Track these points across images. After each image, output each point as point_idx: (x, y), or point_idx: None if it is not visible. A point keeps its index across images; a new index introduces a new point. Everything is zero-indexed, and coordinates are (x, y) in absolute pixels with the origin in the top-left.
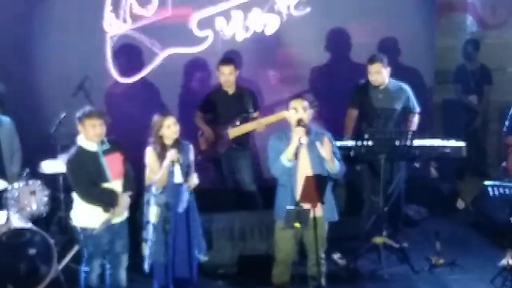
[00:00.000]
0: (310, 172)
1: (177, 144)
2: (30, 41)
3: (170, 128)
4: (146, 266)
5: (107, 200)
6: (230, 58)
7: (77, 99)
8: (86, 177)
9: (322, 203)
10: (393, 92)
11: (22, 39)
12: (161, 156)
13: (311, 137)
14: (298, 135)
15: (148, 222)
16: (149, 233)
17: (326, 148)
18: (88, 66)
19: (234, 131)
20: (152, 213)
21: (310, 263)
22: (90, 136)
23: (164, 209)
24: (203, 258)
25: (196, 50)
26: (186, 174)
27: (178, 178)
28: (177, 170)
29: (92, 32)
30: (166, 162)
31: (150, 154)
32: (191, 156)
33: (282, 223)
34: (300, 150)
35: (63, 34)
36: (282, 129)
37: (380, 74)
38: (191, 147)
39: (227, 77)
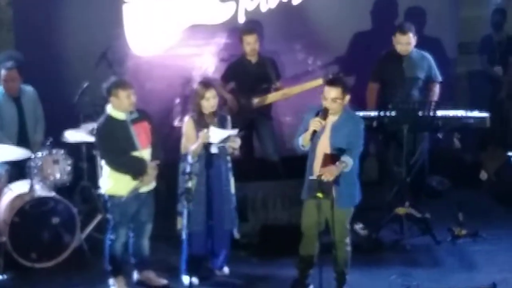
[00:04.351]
0: (328, 152)
1: (214, 117)
2: (53, 11)
3: (209, 101)
4: (184, 237)
5: (136, 168)
6: (253, 27)
7: (100, 69)
8: (115, 145)
9: (337, 184)
10: (416, 60)
11: (44, 9)
12: (198, 125)
13: (340, 120)
14: (314, 126)
15: (183, 193)
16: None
17: (331, 172)
18: (110, 36)
19: (259, 101)
20: (190, 182)
21: (334, 248)
22: (125, 106)
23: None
24: (236, 235)
25: (218, 22)
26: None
27: (214, 149)
28: (214, 141)
29: (112, 2)
30: (199, 141)
31: (187, 123)
32: (229, 127)
33: (304, 195)
34: (320, 135)
35: (85, 3)
36: (309, 101)
37: (410, 45)
38: (228, 118)
39: (252, 45)
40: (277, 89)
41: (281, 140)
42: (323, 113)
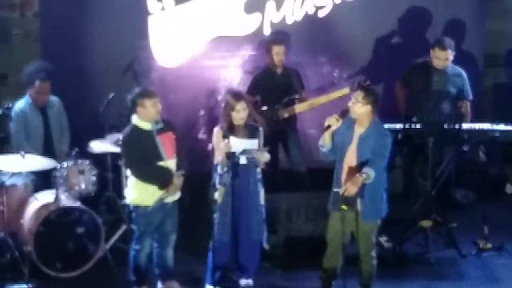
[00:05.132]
0: (354, 163)
1: (244, 128)
2: (78, 22)
3: (239, 113)
4: (210, 247)
5: (163, 178)
6: (281, 37)
7: (125, 79)
8: (141, 155)
9: (362, 197)
10: (450, 76)
11: (70, 20)
12: (227, 136)
13: (367, 132)
14: (328, 121)
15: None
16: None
17: (352, 188)
18: (135, 47)
19: (286, 112)
20: (217, 193)
21: (359, 260)
22: (152, 115)
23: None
24: (265, 245)
25: (243, 34)
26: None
27: (242, 159)
28: (236, 151)
29: (137, 13)
30: (222, 152)
31: (216, 133)
32: (260, 138)
33: (330, 207)
34: (347, 146)
35: (112, 15)
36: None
37: (448, 61)
38: (260, 129)
39: (280, 56)
40: (301, 100)
41: (306, 152)
42: (342, 111)
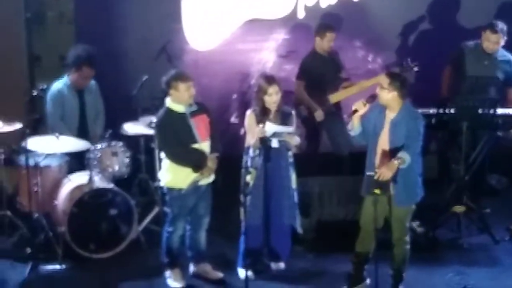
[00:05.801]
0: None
1: (277, 112)
2: (113, 5)
3: (271, 97)
4: (242, 230)
5: (196, 160)
6: (332, 23)
7: (159, 62)
8: (175, 137)
9: (395, 182)
10: (499, 61)
11: (106, 3)
12: (260, 119)
13: (398, 116)
14: (355, 106)
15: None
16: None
17: (387, 172)
18: (169, 30)
19: (336, 96)
20: (249, 176)
21: (392, 245)
22: (185, 98)
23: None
24: (298, 229)
25: (277, 17)
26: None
27: (274, 143)
28: (274, 133)
29: None
30: (255, 136)
31: (249, 117)
32: (292, 123)
33: (363, 191)
34: (380, 131)
35: None
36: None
37: (498, 45)
38: (293, 113)
39: (331, 42)
40: (346, 86)
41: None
42: (370, 96)
